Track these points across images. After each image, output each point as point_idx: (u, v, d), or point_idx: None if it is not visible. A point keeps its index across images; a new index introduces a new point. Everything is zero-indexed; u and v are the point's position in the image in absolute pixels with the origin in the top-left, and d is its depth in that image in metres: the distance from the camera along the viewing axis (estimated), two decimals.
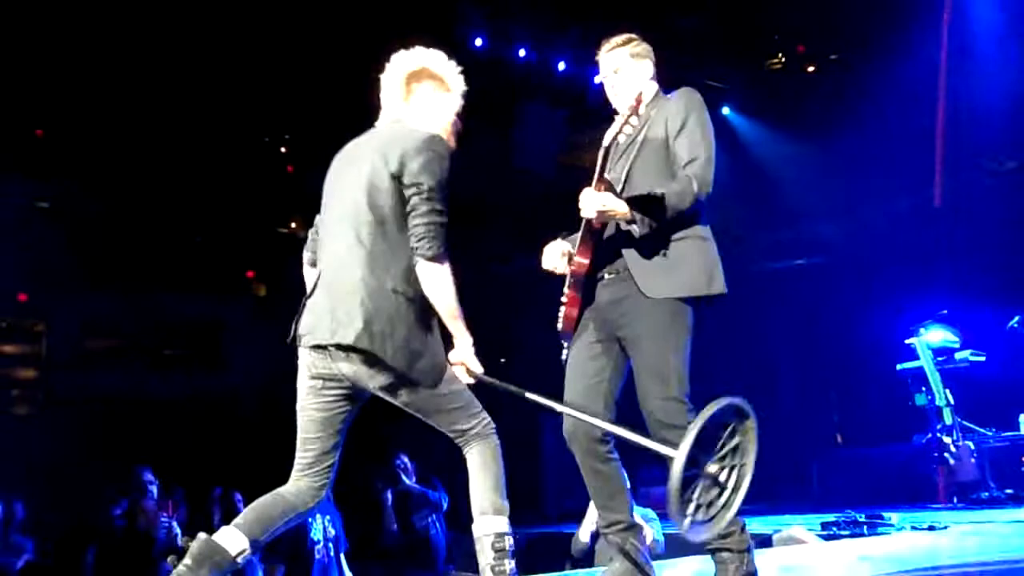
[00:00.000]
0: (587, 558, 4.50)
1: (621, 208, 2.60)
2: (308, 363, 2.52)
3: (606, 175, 2.65)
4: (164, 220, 9.20)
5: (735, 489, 2.33)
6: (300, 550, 5.90)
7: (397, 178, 2.45)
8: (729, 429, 2.32)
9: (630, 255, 2.69)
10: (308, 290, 2.59)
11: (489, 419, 2.55)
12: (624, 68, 2.89)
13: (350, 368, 2.42)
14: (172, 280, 9.19)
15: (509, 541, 2.44)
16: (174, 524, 5.82)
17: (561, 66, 9.05)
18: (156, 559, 5.31)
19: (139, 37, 7.61)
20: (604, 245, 2.76)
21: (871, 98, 9.26)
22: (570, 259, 2.82)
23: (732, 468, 2.33)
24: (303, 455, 2.55)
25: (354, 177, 2.53)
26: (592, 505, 3.19)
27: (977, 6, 8.77)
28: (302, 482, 2.54)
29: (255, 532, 2.43)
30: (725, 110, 10.71)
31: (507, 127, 9.45)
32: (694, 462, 2.21)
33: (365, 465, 7.23)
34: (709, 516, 2.29)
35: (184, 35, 7.70)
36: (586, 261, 2.76)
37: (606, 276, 2.78)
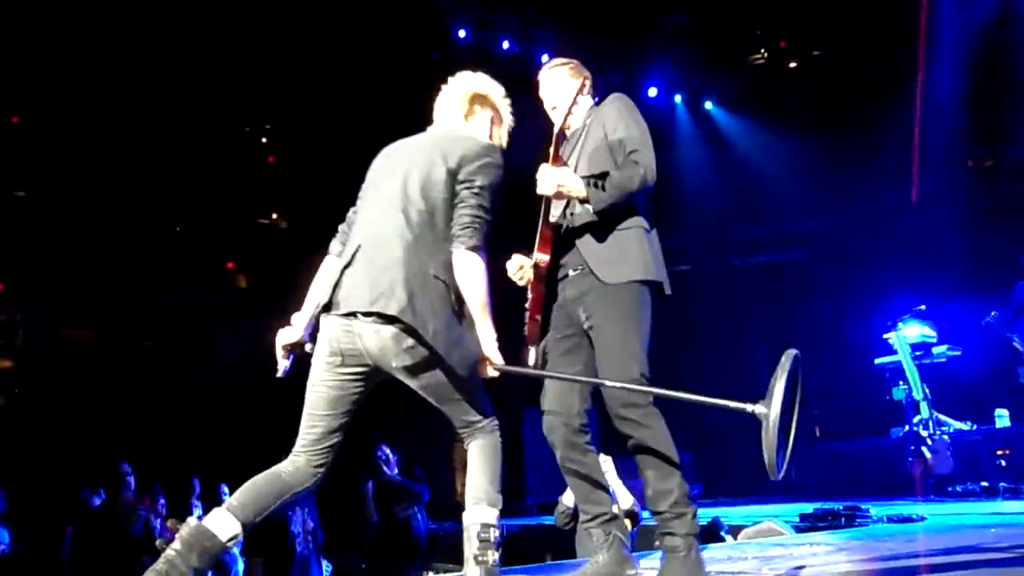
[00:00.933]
0: (570, 533, 4.52)
1: (578, 184, 2.76)
2: (331, 337, 2.49)
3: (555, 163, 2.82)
4: (143, 210, 9.13)
5: (791, 427, 2.49)
6: (280, 543, 5.88)
7: (453, 174, 2.51)
8: (796, 379, 2.47)
9: (585, 248, 2.83)
10: (343, 264, 2.55)
11: (495, 417, 2.57)
12: (562, 82, 3.07)
13: (377, 343, 2.40)
14: (151, 271, 9.12)
15: (495, 533, 2.44)
16: (151, 517, 5.79)
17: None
18: (134, 550, 5.27)
19: (120, 27, 7.54)
20: (562, 243, 2.88)
21: (851, 94, 9.33)
22: (532, 264, 2.90)
23: (793, 409, 2.48)
24: (308, 431, 2.52)
25: (410, 166, 2.57)
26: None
27: (954, 6, 8.85)
28: (301, 458, 2.52)
29: (248, 515, 2.40)
30: (708, 105, 10.76)
31: None
32: (785, 411, 2.35)
33: (346, 456, 7.22)
34: (786, 458, 2.46)
35: (165, 26, 7.64)
36: (547, 256, 2.87)
37: (570, 273, 2.89)
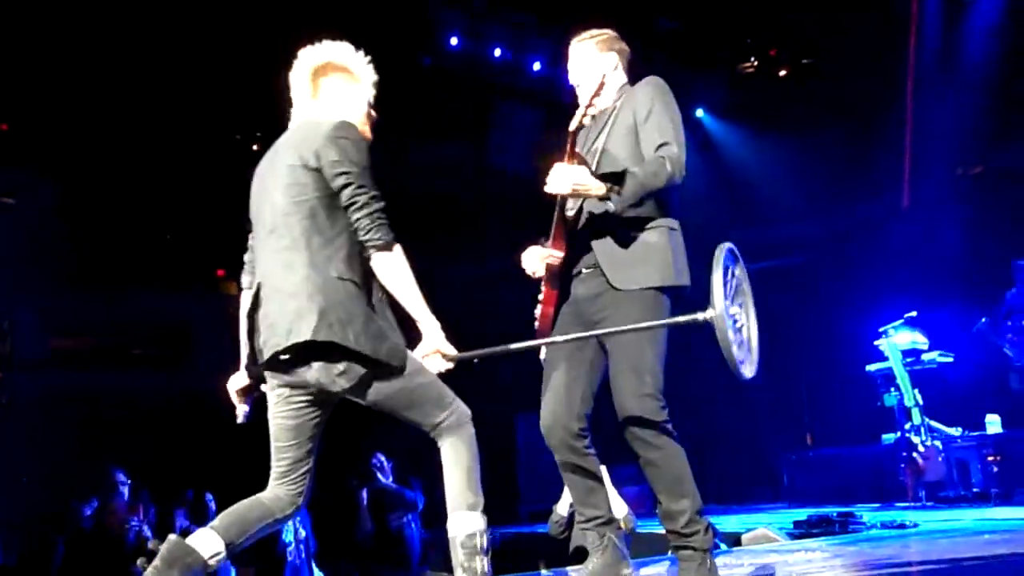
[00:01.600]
0: (565, 541, 4.51)
1: (594, 184, 2.61)
2: (271, 377, 2.47)
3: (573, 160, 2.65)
4: (133, 217, 9.08)
5: (749, 325, 2.60)
6: (272, 552, 5.84)
7: (317, 171, 2.40)
8: (731, 273, 2.53)
9: (600, 248, 2.71)
10: (247, 310, 2.50)
11: (463, 407, 2.48)
12: (590, 59, 2.89)
13: (313, 373, 2.36)
14: (141, 279, 9.06)
15: (481, 539, 2.39)
16: (144, 527, 5.75)
17: (536, 66, 9.07)
18: (126, 560, 5.23)
19: (108, 32, 7.50)
20: (578, 238, 2.77)
21: (842, 102, 9.37)
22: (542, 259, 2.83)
23: (741, 305, 2.58)
24: (278, 464, 2.51)
25: (274, 182, 2.47)
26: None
27: (944, 13, 8.90)
28: (279, 490, 2.51)
29: (231, 535, 2.39)
30: (699, 112, 10.79)
31: (482, 127, 9.45)
32: (731, 311, 2.44)
33: (340, 463, 7.19)
34: (746, 353, 2.54)
35: (154, 30, 7.61)
36: (561, 253, 2.78)
37: (583, 271, 2.80)
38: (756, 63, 10.06)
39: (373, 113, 2.68)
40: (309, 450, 2.51)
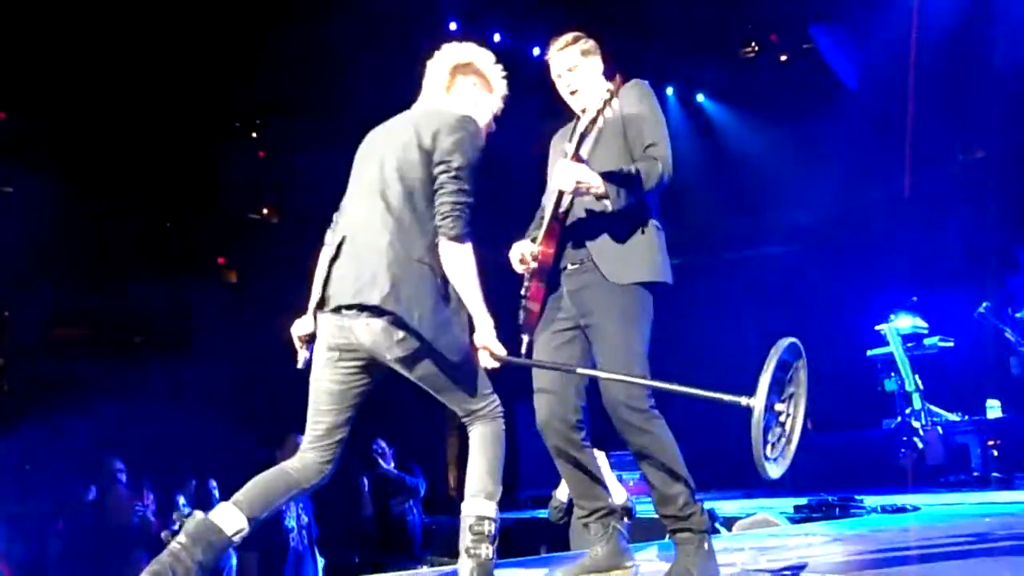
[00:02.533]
0: (565, 527, 4.52)
1: (596, 181, 2.64)
2: (327, 332, 2.48)
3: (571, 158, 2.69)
4: (133, 206, 9.07)
5: (795, 416, 2.50)
6: (274, 538, 5.86)
7: (429, 153, 2.45)
8: (791, 370, 2.47)
9: (592, 244, 2.75)
10: (328, 258, 2.52)
11: (499, 402, 2.54)
12: (577, 66, 2.92)
13: (369, 335, 2.38)
14: (142, 267, 9.07)
15: (490, 526, 2.42)
16: (148, 512, 5.77)
17: (536, 51, 9.03)
18: (128, 546, 5.25)
19: (107, 20, 7.47)
20: (566, 235, 2.81)
21: (843, 87, 9.34)
22: (532, 256, 2.84)
23: (790, 397, 2.49)
24: (313, 427, 2.51)
25: (386, 150, 2.53)
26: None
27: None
28: (308, 455, 2.50)
29: (255, 509, 2.38)
30: (699, 97, 10.76)
31: None
32: (768, 407, 2.34)
33: (342, 450, 7.20)
34: (779, 452, 2.45)
35: (154, 19, 7.58)
36: (551, 251, 2.80)
37: (569, 266, 2.82)
38: (757, 48, 10.02)
39: (493, 125, 2.76)
40: (348, 418, 2.52)
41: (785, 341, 2.44)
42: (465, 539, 2.41)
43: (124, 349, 9.59)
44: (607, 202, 2.65)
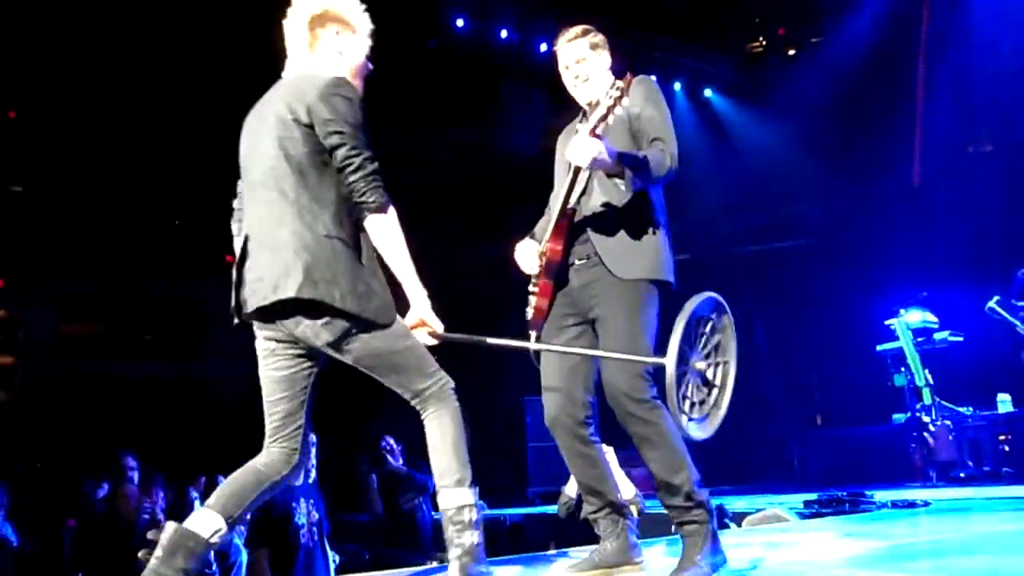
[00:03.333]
0: (573, 519, 4.53)
1: (611, 159, 2.61)
2: (258, 329, 2.46)
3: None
4: (141, 204, 9.10)
5: (722, 387, 2.50)
6: (285, 535, 5.87)
7: (308, 126, 2.36)
8: (709, 326, 2.46)
9: (599, 240, 2.75)
10: (237, 259, 2.48)
11: (447, 379, 2.44)
12: (586, 58, 2.92)
13: (297, 327, 2.34)
14: (150, 265, 9.10)
15: (470, 513, 2.37)
16: (158, 510, 5.78)
17: (543, 47, 9.02)
18: (138, 543, 5.27)
19: (114, 19, 7.49)
20: (574, 232, 2.80)
21: (851, 81, 9.30)
22: (539, 253, 2.84)
23: (717, 365, 2.50)
24: (270, 420, 2.49)
25: (265, 134, 2.43)
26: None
27: None
28: (273, 448, 2.48)
29: (229, 509, 2.36)
30: (707, 92, 10.73)
31: (490, 109, 9.41)
32: (683, 359, 2.33)
33: (350, 448, 7.22)
34: (704, 413, 2.44)
35: (159, 17, 7.59)
36: (560, 248, 2.80)
37: (576, 262, 2.82)
38: (764, 43, 9.99)
39: (370, 65, 2.64)
40: (301, 403, 2.48)
41: (700, 296, 2.42)
42: (448, 531, 2.38)
43: (134, 346, 9.63)
44: (619, 181, 2.64)
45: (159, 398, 8.72)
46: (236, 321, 2.50)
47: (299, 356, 2.45)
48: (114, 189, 8.84)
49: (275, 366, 2.47)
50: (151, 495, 6.02)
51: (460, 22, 8.79)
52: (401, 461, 7.04)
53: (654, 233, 2.77)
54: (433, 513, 7.03)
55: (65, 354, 9.07)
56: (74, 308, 9.35)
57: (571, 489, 4.49)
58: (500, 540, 6.73)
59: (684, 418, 2.35)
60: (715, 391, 2.49)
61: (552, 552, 4.38)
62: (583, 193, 2.79)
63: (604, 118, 2.61)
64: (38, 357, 8.97)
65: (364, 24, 2.60)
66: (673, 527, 2.72)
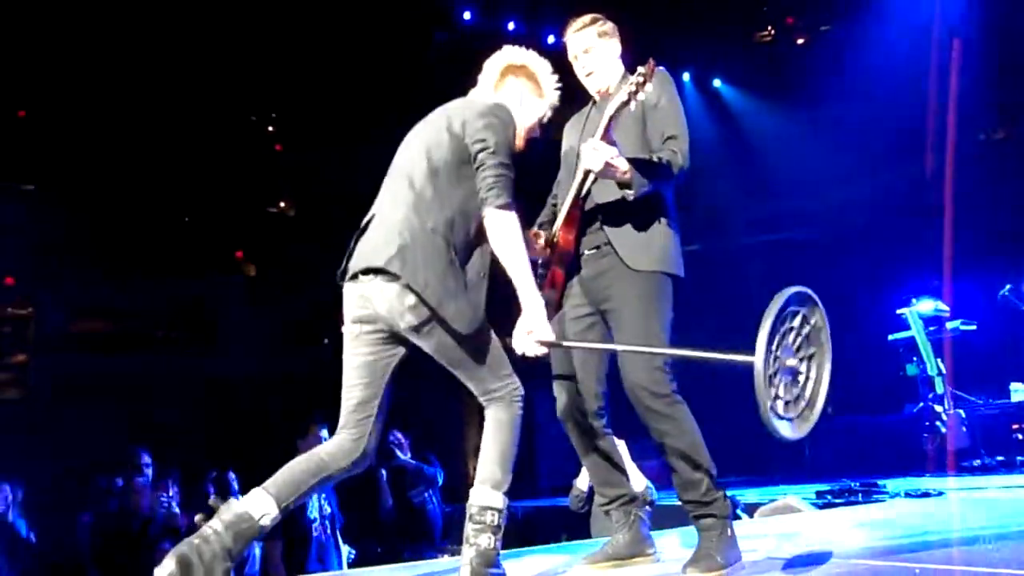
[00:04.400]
0: (585, 515, 4.53)
1: (624, 165, 2.62)
2: (350, 305, 2.52)
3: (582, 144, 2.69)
4: (152, 201, 9.12)
5: (817, 380, 2.39)
6: (297, 528, 5.90)
7: (458, 136, 2.48)
8: (799, 319, 2.38)
9: (612, 231, 2.74)
10: (357, 233, 2.59)
11: (518, 385, 2.50)
12: (594, 47, 2.91)
13: (384, 304, 2.40)
14: (161, 262, 9.13)
15: (494, 516, 2.40)
16: (173, 504, 5.81)
17: (551, 39, 8.98)
18: (154, 539, 5.30)
19: (124, 16, 7.50)
20: (586, 221, 2.80)
21: (861, 69, 9.23)
22: (548, 241, 2.83)
23: (809, 358, 2.39)
24: (344, 405, 2.52)
25: (418, 137, 2.59)
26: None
27: None
28: (342, 434, 2.50)
29: (283, 495, 2.36)
30: (716, 82, 10.68)
31: None
32: (772, 356, 2.24)
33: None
34: (798, 412, 2.34)
35: (170, 15, 7.60)
36: (571, 237, 2.80)
37: (586, 252, 2.82)
38: (773, 32, 9.93)
39: (538, 131, 2.75)
40: (375, 394, 2.51)
41: (787, 291, 2.35)
42: (467, 527, 2.40)
43: (146, 343, 9.67)
44: (627, 191, 2.64)
45: (172, 395, 8.75)
46: (339, 283, 2.56)
47: (382, 342, 2.49)
48: (126, 186, 8.86)
49: (358, 351, 2.51)
50: (166, 491, 6.06)
51: (467, 15, 8.77)
52: (410, 455, 7.06)
53: (666, 226, 2.76)
54: (443, 506, 7.05)
55: (77, 351, 9.10)
56: (86, 305, 9.38)
57: (583, 482, 4.49)
58: (511, 532, 6.75)
59: (774, 418, 2.26)
60: (809, 387, 2.39)
61: (564, 544, 4.38)
62: (595, 182, 2.78)
63: (625, 105, 2.61)
64: (50, 354, 9.01)
65: (552, 96, 2.73)
66: (691, 520, 2.71)
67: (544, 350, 2.47)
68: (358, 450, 2.49)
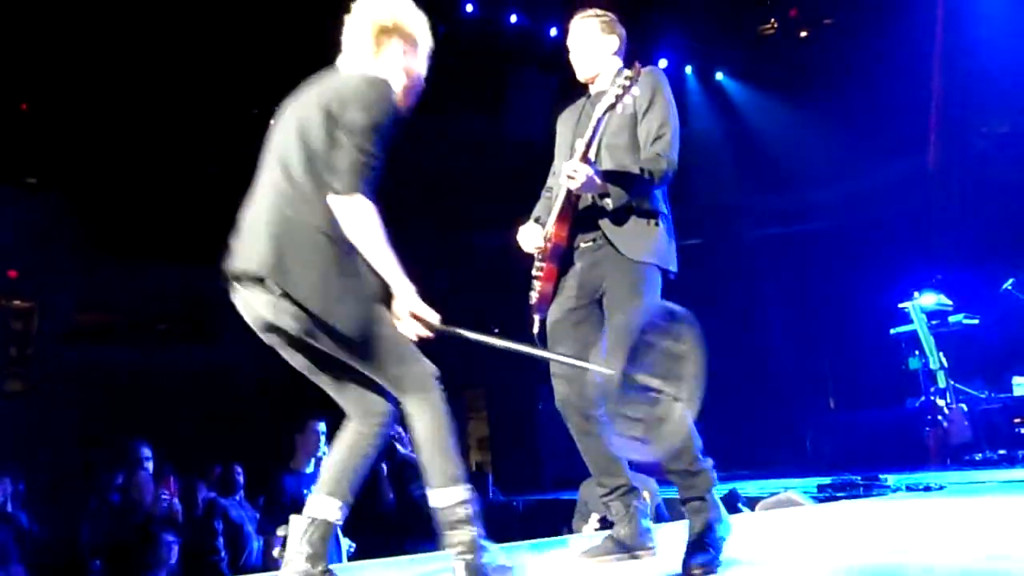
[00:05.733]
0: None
1: (600, 181, 2.69)
2: (242, 310, 2.39)
3: (574, 142, 2.76)
4: (156, 195, 9.12)
5: (669, 404, 2.28)
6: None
7: (332, 116, 2.30)
8: (662, 335, 2.31)
9: (605, 223, 2.78)
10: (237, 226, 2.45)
11: (430, 369, 2.34)
12: (591, 38, 2.95)
13: (267, 309, 2.26)
14: (164, 254, 9.13)
15: (464, 509, 2.31)
16: (175, 500, 5.82)
17: (553, 32, 8.96)
18: (156, 533, 5.31)
19: (125, 8, 7.48)
20: (580, 215, 2.83)
21: (864, 63, 9.21)
22: (544, 237, 2.86)
23: (669, 379, 2.27)
24: (335, 398, 2.48)
25: (293, 116, 2.41)
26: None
27: None
28: (351, 417, 2.46)
29: (343, 490, 2.40)
30: (719, 75, 10.65)
31: (499, 96, 9.37)
32: (632, 377, 2.22)
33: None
34: (641, 434, 2.26)
35: (172, 6, 7.58)
36: (564, 233, 2.83)
37: (582, 245, 2.85)
38: (776, 25, 9.89)
39: (420, 82, 2.62)
40: (335, 377, 2.41)
41: (664, 305, 2.35)
42: (443, 531, 2.34)
43: (148, 336, 9.68)
44: (608, 200, 2.71)
45: (173, 388, 8.76)
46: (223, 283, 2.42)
47: (301, 343, 2.34)
48: (129, 180, 8.85)
49: (293, 358, 2.44)
50: (168, 485, 6.06)
51: (469, 7, 8.74)
52: (410, 449, 7.05)
53: (656, 223, 2.79)
54: None
55: (80, 343, 9.11)
56: (88, 299, 9.39)
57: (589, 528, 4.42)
58: (513, 526, 6.75)
59: (618, 439, 2.25)
60: (658, 404, 2.28)
61: (566, 537, 4.38)
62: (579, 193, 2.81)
63: (611, 109, 2.65)
64: (53, 346, 9.03)
65: (426, 44, 2.60)
66: (680, 505, 2.72)
67: (428, 334, 2.33)
68: (372, 416, 2.43)
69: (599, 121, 2.68)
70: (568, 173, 2.66)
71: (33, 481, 6.49)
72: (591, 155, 2.72)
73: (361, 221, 2.25)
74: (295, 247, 2.24)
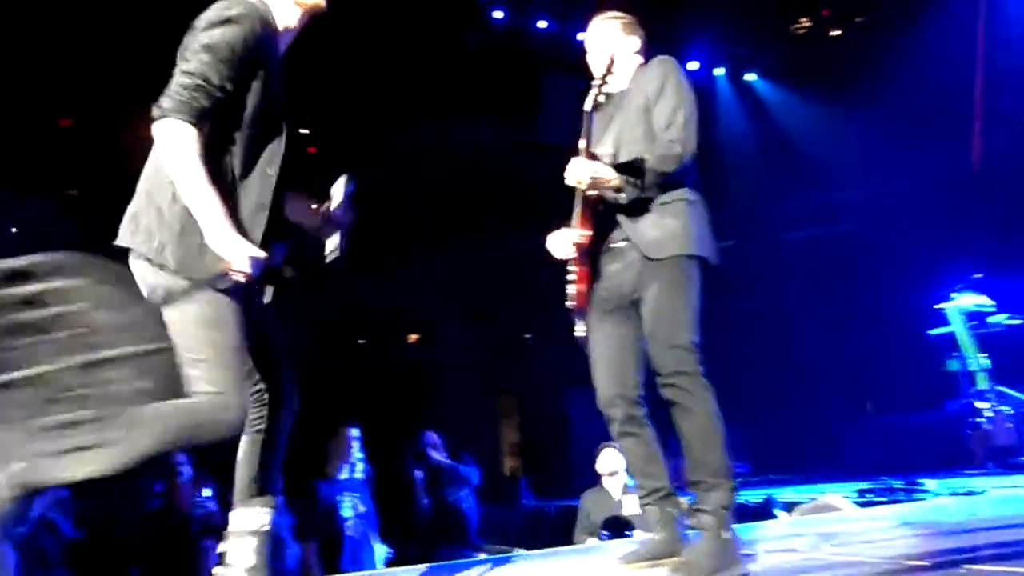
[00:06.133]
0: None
1: (609, 175, 2.70)
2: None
3: (592, 146, 2.78)
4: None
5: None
6: (331, 527, 5.95)
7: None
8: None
9: (627, 223, 2.77)
10: None
11: (231, 401, 2.08)
12: (610, 38, 2.97)
13: (140, 283, 2.07)
14: None
15: (255, 541, 2.30)
16: (209, 502, 5.88)
17: (581, 36, 8.93)
18: (194, 537, 5.37)
19: (142, 11, 7.55)
20: (604, 216, 2.82)
21: (899, 60, 9.07)
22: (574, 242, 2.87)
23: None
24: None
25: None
26: None
27: None
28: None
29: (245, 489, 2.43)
30: (751, 76, 10.58)
31: (531, 102, 9.36)
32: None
33: (396, 444, 7.28)
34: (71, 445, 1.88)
35: (173, 7, 7.63)
36: (589, 233, 2.82)
37: (611, 246, 2.85)
38: (808, 24, 9.80)
39: (323, 4, 2.44)
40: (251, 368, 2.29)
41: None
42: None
43: None
44: (621, 195, 2.70)
45: None
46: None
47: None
48: (129, 175, 8.91)
49: None
50: (201, 490, 6.12)
51: (498, 14, 8.76)
52: (447, 454, 7.08)
53: (681, 208, 2.77)
54: (478, 505, 7.07)
55: None
56: None
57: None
58: (546, 530, 6.73)
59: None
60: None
61: (596, 544, 4.36)
62: (599, 189, 2.81)
63: (589, 126, 2.76)
64: None
65: None
66: (691, 518, 2.69)
67: (248, 269, 2.01)
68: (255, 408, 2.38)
69: (588, 116, 2.73)
70: (573, 169, 2.69)
71: (74, 488, 6.57)
72: (598, 152, 2.76)
73: (173, 147, 2.01)
74: (150, 205, 2.11)
